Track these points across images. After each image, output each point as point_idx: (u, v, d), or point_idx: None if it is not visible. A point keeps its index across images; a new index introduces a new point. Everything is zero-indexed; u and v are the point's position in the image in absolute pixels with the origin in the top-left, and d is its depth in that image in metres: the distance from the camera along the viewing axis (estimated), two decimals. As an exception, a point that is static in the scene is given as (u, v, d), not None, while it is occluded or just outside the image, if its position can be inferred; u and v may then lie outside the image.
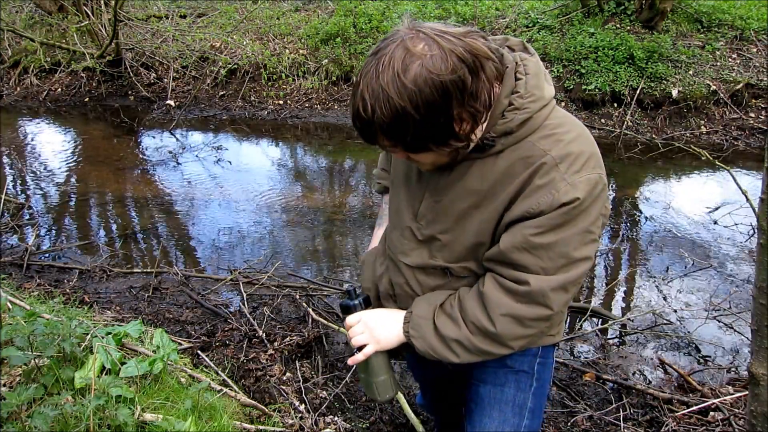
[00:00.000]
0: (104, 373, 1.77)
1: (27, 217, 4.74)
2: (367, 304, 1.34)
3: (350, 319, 1.31)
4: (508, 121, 1.07)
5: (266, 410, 2.11)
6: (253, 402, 2.13)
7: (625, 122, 6.49)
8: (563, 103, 6.66)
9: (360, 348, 1.29)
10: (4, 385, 1.65)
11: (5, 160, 6.23)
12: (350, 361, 1.32)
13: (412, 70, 0.94)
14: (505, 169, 1.10)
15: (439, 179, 1.18)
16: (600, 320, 3.25)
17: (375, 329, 1.28)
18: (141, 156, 6.32)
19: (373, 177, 1.64)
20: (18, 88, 8.64)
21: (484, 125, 1.07)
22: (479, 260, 1.21)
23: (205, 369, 2.38)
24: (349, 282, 3.65)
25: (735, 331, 3.14)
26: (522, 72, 1.08)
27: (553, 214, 1.06)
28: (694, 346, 3.03)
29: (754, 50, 6.99)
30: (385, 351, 1.31)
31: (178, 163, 6.03)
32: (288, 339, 2.83)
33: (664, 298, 3.48)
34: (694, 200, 4.92)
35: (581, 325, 3.17)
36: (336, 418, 2.24)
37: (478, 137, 1.08)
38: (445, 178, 1.17)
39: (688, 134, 6.37)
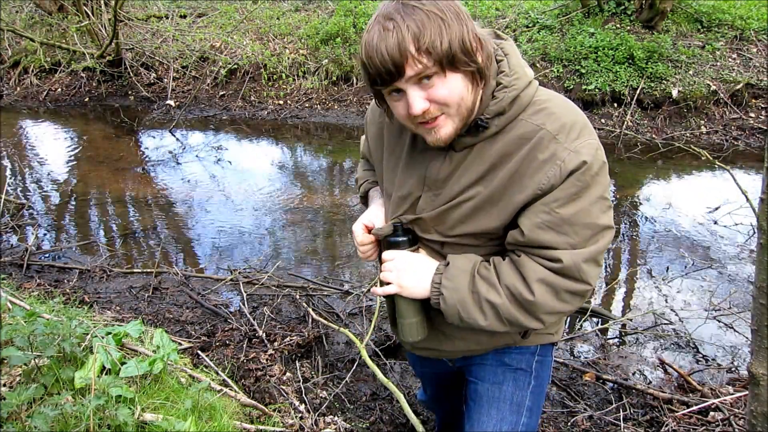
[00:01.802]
0: (104, 373, 1.77)
1: (27, 217, 4.74)
2: (413, 243, 1.26)
3: (386, 254, 1.26)
4: (499, 100, 1.09)
5: (266, 410, 2.11)
6: (253, 402, 2.13)
7: (625, 122, 6.49)
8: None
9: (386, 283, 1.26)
10: (4, 385, 1.65)
11: (5, 160, 6.23)
12: (372, 290, 1.30)
13: None
14: (503, 148, 1.12)
15: (438, 172, 1.18)
16: (600, 320, 3.25)
17: (403, 275, 1.22)
18: (141, 156, 6.32)
19: (356, 181, 1.59)
20: (18, 88, 8.65)
21: (478, 102, 1.09)
22: (475, 237, 1.20)
23: (205, 369, 2.38)
24: (349, 282, 3.65)
25: (735, 331, 3.14)
26: (501, 54, 1.12)
27: (566, 185, 1.07)
28: (694, 346, 3.03)
29: (754, 50, 6.99)
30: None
31: (178, 163, 6.03)
32: (288, 339, 2.83)
33: (664, 298, 3.48)
34: (694, 200, 4.92)
35: (581, 325, 3.18)
36: (336, 418, 2.24)
37: (475, 112, 1.10)
38: (445, 170, 1.17)
39: (688, 134, 6.37)
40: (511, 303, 1.14)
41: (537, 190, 1.08)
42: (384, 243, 1.29)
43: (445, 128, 1.09)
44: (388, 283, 1.25)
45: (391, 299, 1.30)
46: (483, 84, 1.08)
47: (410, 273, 1.22)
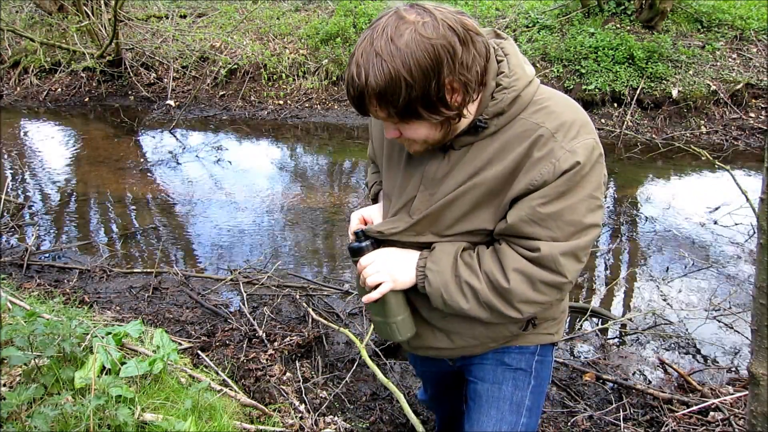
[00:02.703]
0: (104, 373, 1.77)
1: (27, 217, 4.74)
2: (377, 245, 1.29)
3: (364, 260, 1.26)
4: (498, 101, 1.10)
5: (266, 410, 2.11)
6: (253, 402, 2.13)
7: (625, 122, 6.49)
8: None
9: (375, 288, 1.26)
10: (4, 385, 1.65)
11: (5, 160, 6.23)
12: (365, 299, 1.29)
13: (404, 36, 0.97)
14: (501, 145, 1.13)
15: (436, 171, 1.18)
16: (600, 320, 3.25)
17: (390, 267, 1.24)
18: (141, 156, 6.32)
19: (366, 185, 1.61)
20: (18, 88, 8.64)
21: (476, 104, 1.10)
22: (471, 234, 1.21)
23: (205, 369, 2.38)
24: (349, 282, 3.65)
25: (735, 331, 3.14)
26: (501, 54, 1.12)
27: (557, 182, 1.08)
28: (694, 346, 3.03)
29: (754, 50, 6.99)
30: (401, 290, 1.28)
31: (178, 163, 6.03)
32: (288, 339, 2.83)
33: (664, 298, 3.48)
34: (694, 200, 4.92)
35: (581, 325, 3.18)
36: (336, 418, 2.24)
37: (472, 114, 1.10)
38: (442, 169, 1.18)
39: (688, 134, 6.37)
40: (489, 289, 1.16)
41: (529, 185, 1.10)
42: (351, 253, 1.30)
43: (415, 147, 1.15)
44: (377, 286, 1.25)
45: (381, 305, 1.29)
46: (459, 120, 1.08)
47: (397, 264, 1.24)
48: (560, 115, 1.10)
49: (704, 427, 2.27)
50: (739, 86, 6.55)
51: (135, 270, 3.75)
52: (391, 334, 1.32)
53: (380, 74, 0.97)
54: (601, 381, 2.66)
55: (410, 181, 1.23)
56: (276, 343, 2.79)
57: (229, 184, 5.43)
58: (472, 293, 1.18)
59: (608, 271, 3.90)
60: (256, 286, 3.47)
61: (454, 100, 1.03)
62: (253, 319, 3.04)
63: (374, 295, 1.26)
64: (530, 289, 1.14)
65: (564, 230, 1.11)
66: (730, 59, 6.91)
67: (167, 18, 8.88)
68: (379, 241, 1.29)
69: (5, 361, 1.63)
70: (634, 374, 2.79)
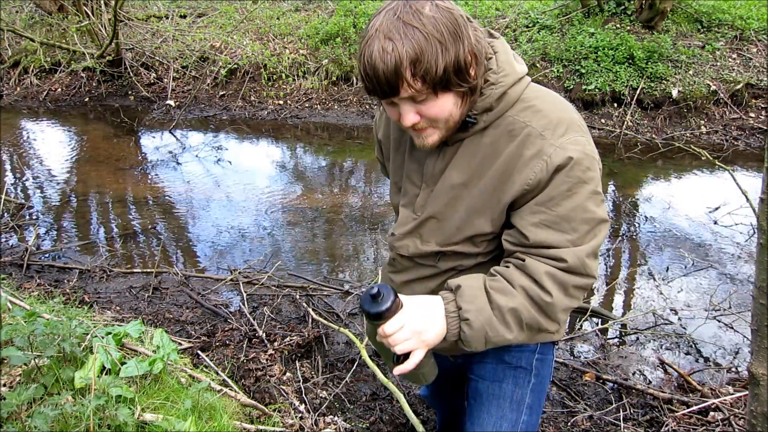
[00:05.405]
0: (104, 373, 1.77)
1: (27, 217, 4.74)
2: (395, 296, 1.11)
3: (389, 328, 1.10)
4: (486, 97, 1.11)
5: (266, 410, 2.11)
6: (253, 402, 2.13)
7: (625, 122, 6.49)
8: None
9: (404, 353, 1.14)
10: (4, 385, 1.65)
11: (5, 160, 6.22)
12: (398, 372, 1.15)
13: (426, 8, 1.00)
14: (491, 144, 1.14)
15: (434, 167, 1.21)
16: (600, 320, 3.25)
17: (422, 332, 1.12)
18: (141, 156, 6.32)
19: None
20: (18, 88, 8.64)
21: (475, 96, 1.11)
22: (473, 242, 1.21)
23: (205, 369, 2.38)
24: (349, 282, 3.65)
25: (735, 331, 3.14)
26: (491, 52, 1.13)
27: (556, 181, 1.08)
28: (694, 346, 3.03)
29: (754, 50, 6.99)
30: None
31: (178, 163, 6.03)
32: (288, 339, 2.83)
33: (664, 298, 3.48)
34: (694, 200, 4.92)
35: (581, 325, 3.17)
36: (336, 418, 2.24)
37: (475, 99, 1.11)
38: (439, 164, 1.20)
39: (688, 134, 6.37)
40: (531, 305, 1.13)
41: (524, 185, 1.10)
42: (372, 317, 1.11)
43: (432, 137, 1.13)
44: (408, 353, 1.14)
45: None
46: (474, 96, 1.09)
47: (424, 323, 1.12)
48: (547, 114, 1.11)
49: (704, 427, 2.27)
50: (739, 86, 6.55)
51: (135, 270, 3.75)
52: (416, 381, 1.30)
53: (416, 40, 0.97)
54: (601, 381, 2.66)
55: (413, 178, 1.26)
56: (276, 343, 2.79)
57: (229, 184, 5.43)
58: (515, 320, 1.12)
59: (608, 271, 3.90)
60: (256, 286, 3.47)
61: (474, 70, 1.05)
62: (253, 319, 3.04)
63: (408, 366, 1.14)
64: (565, 296, 1.13)
65: (579, 230, 1.11)
66: (730, 59, 6.91)
67: (167, 18, 8.87)
68: (395, 291, 1.13)
69: (5, 361, 1.63)
70: (634, 374, 2.79)
